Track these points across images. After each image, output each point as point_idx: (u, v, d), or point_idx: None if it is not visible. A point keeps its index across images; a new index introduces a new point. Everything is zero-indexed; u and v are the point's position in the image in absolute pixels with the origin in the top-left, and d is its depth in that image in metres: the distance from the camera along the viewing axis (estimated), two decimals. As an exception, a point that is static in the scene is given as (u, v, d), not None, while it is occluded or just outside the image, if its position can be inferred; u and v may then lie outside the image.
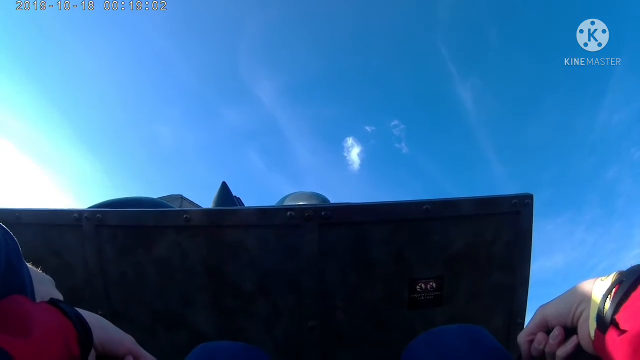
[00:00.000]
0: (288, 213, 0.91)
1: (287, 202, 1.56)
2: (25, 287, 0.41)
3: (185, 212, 0.92)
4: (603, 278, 0.46)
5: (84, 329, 0.42)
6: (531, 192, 0.98)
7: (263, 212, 0.94)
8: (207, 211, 0.96)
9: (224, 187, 1.60)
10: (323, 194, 1.60)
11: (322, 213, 0.91)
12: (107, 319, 0.50)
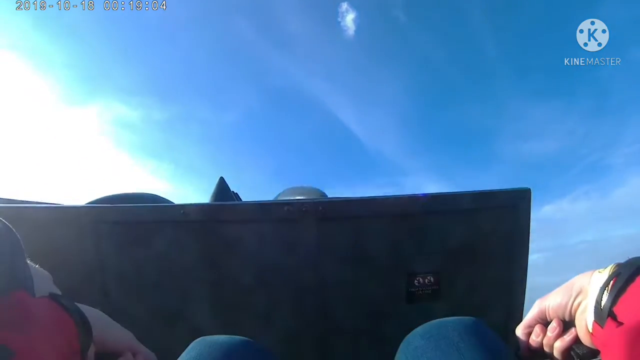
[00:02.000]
0: (286, 208, 0.91)
1: (285, 197, 1.55)
2: (26, 283, 0.41)
3: (183, 207, 0.92)
4: (601, 270, 0.46)
5: (84, 325, 0.42)
6: (529, 187, 0.98)
7: (260, 207, 0.94)
8: (204, 206, 0.95)
9: (222, 183, 1.59)
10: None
11: (320, 207, 0.91)
12: (106, 314, 0.50)
